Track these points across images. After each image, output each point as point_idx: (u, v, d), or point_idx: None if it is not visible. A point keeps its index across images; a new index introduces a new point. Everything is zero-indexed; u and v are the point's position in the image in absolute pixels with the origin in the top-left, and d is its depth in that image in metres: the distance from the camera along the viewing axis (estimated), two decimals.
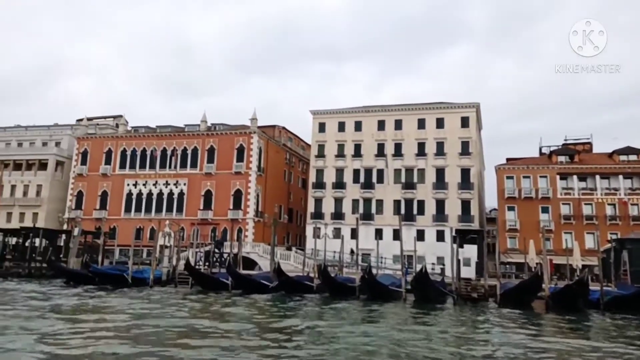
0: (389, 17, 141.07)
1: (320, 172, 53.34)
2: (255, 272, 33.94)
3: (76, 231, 36.95)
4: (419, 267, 33.27)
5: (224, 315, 17.80)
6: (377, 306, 22.18)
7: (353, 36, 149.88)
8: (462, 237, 30.35)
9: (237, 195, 52.42)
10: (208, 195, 53.14)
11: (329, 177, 52.83)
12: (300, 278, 28.70)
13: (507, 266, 45.07)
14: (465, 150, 49.58)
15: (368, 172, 51.94)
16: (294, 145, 64.17)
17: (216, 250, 37.39)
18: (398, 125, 51.88)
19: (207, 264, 36.18)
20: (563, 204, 48.16)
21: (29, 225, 47.27)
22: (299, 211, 61.28)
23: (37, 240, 40.98)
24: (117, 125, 61.82)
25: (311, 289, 26.64)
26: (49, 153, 58.66)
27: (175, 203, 53.64)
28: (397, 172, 51.04)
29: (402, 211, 49.41)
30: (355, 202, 51.66)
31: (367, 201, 51.34)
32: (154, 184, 54.45)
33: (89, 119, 63.03)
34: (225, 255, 36.52)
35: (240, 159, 53.11)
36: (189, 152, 54.61)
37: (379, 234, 46.49)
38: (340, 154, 52.98)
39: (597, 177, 48.35)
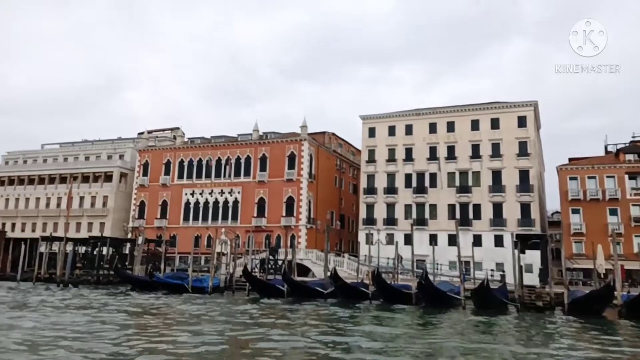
0: (436, 17, 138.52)
1: (371, 177, 52.97)
2: (309, 279, 34.13)
3: (140, 240, 38.88)
4: (477, 273, 32.34)
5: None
6: (439, 314, 21.57)
7: (399, 38, 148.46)
8: (523, 242, 29.04)
9: (290, 202, 53.11)
10: (261, 202, 54.22)
11: (380, 182, 52.32)
12: (356, 284, 28.55)
13: (574, 272, 42.59)
14: (523, 151, 47.49)
15: (420, 176, 50.96)
16: (344, 151, 64.24)
17: (271, 257, 37.98)
18: (450, 127, 50.59)
19: (262, 270, 36.83)
20: (633, 205, 44.86)
21: (97, 235, 50.29)
22: (351, 217, 61.16)
23: (104, 249, 43.53)
24: (174, 137, 64.62)
25: (366, 295, 26.42)
26: (114, 165, 62.24)
27: (230, 211, 55.14)
28: (451, 175, 49.70)
29: (457, 216, 48.03)
30: (407, 207, 50.81)
31: (420, 206, 50.35)
32: (210, 193, 56.29)
33: (149, 132, 66.36)
34: (279, 262, 37.04)
35: (291, 166, 53.83)
36: (242, 161, 56.04)
37: (433, 239, 45.55)
38: (391, 159, 52.36)
39: None
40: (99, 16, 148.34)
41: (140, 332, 14.88)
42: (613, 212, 45.02)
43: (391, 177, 52.14)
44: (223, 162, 56.69)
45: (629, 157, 47.72)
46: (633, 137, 52.57)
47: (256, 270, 37.37)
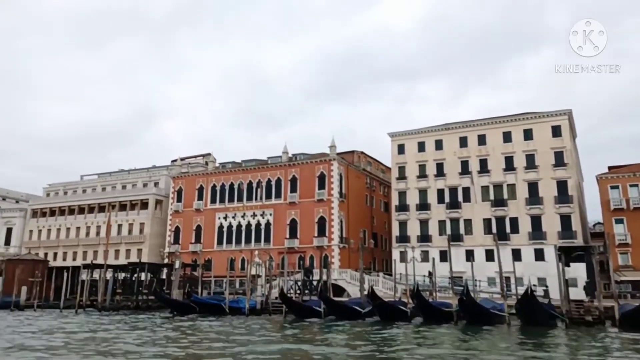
0: (460, 32, 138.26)
1: (402, 194, 52.48)
2: (345, 299, 33.73)
3: (177, 264, 39.50)
4: (519, 289, 31.18)
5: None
6: (484, 332, 20.80)
7: (424, 55, 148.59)
8: (567, 255, 27.92)
9: (321, 222, 53.07)
10: (293, 224, 54.37)
11: (412, 199, 51.74)
12: (394, 303, 28.02)
13: (621, 285, 40.55)
14: (559, 161, 46.18)
15: (453, 191, 50.15)
16: (373, 169, 64.05)
17: (305, 278, 37.84)
18: (482, 140, 49.82)
19: (297, 292, 36.68)
20: None
21: (135, 261, 51.45)
22: (383, 235, 60.50)
23: (143, 275, 44.40)
24: (206, 163, 66.05)
25: (405, 314, 25.85)
26: (149, 193, 63.96)
27: (262, 233, 55.50)
28: (485, 189, 48.70)
29: (494, 230, 46.76)
30: (441, 223, 49.93)
31: (455, 221, 49.38)
32: (242, 216, 56.92)
33: (182, 159, 68.13)
34: (314, 283, 36.84)
35: (321, 186, 53.98)
36: (273, 183, 56.60)
37: (469, 255, 44.38)
38: (422, 175, 51.83)
39: None
40: (134, 54, 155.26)
41: None
42: None
43: (423, 193, 51.52)
44: (254, 185, 57.39)
45: None
46: None
47: (292, 291, 37.22)
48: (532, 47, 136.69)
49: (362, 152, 63.43)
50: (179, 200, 60.88)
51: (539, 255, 44.72)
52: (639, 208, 43.79)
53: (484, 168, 49.09)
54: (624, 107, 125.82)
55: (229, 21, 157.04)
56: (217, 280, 49.29)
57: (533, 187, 46.77)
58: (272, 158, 59.21)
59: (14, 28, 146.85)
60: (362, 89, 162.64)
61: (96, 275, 44.55)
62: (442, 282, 37.49)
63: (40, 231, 68.01)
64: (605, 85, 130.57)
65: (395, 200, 53.01)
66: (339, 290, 42.99)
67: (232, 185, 58.63)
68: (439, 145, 51.86)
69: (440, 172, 51.03)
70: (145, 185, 67.31)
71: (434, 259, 33.70)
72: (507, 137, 48.83)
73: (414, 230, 50.85)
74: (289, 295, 34.29)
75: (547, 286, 39.86)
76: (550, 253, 43.32)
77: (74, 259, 62.07)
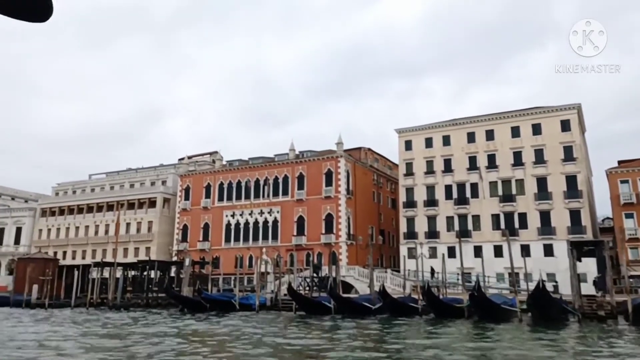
0: (465, 27, 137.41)
1: (410, 190, 52.35)
2: (355, 295, 33.75)
3: (187, 262, 39.65)
4: (529, 285, 31.01)
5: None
6: (498, 327, 20.70)
7: (428, 50, 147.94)
8: (578, 250, 27.75)
9: (329, 219, 53.06)
10: (301, 221, 54.40)
11: (420, 195, 51.60)
12: (405, 299, 27.99)
13: (631, 280, 40.24)
14: (568, 155, 45.85)
15: (461, 187, 49.97)
16: (380, 165, 63.93)
17: (314, 275, 37.90)
18: (489, 135, 49.57)
19: (307, 288, 36.76)
20: None
21: (143, 259, 51.70)
22: (391, 232, 60.42)
23: (152, 272, 44.63)
24: (213, 161, 66.18)
25: (416, 310, 25.82)
26: (157, 191, 64.20)
27: (270, 231, 55.57)
28: (493, 184, 48.47)
29: (502, 226, 46.67)
30: (449, 219, 49.78)
31: (463, 217, 49.22)
32: (250, 214, 57.02)
33: (189, 157, 68.30)
34: (323, 279, 36.89)
35: (329, 183, 53.95)
36: (280, 180, 56.62)
37: (478, 251, 44.25)
38: (430, 171, 51.67)
39: None
40: (137, 53, 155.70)
41: None
42: None
43: (430, 189, 51.36)
44: (261, 182, 57.45)
45: None
46: None
47: (301, 288, 37.30)
48: (538, 42, 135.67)
49: (369, 149, 63.32)
50: (186, 198, 61.07)
51: (548, 250, 44.52)
52: None
53: (492, 163, 48.85)
54: (634, 100, 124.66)
55: (232, 20, 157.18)
56: (225, 277, 49.45)
57: (542, 182, 46.49)
58: (279, 155, 59.23)
59: (19, 29, 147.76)
60: (366, 85, 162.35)
61: (106, 273, 44.87)
62: (450, 278, 37.43)
63: (49, 230, 68.52)
64: (613, 79, 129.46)
65: (402, 197, 52.89)
66: (347, 287, 43.02)
67: (239, 182, 58.72)
68: (446, 141, 51.64)
69: (447, 167, 50.84)
70: (152, 183, 67.59)
71: (443, 255, 33.58)
72: (515, 132, 48.52)
73: (421, 226, 50.73)
74: (298, 291, 34.32)
75: (556, 281, 39.69)
76: (559, 248, 43.25)
77: (83, 258, 62.50)
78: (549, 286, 38.38)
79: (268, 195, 56.64)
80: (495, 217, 47.66)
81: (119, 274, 42.66)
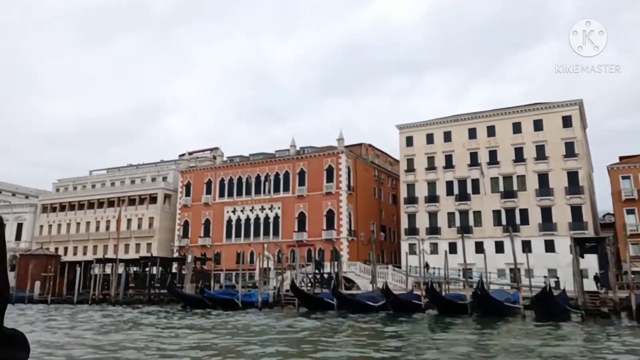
0: (465, 24, 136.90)
1: (411, 186, 52.35)
2: (356, 292, 33.82)
3: (189, 258, 39.68)
4: (529, 280, 31.11)
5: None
6: (501, 324, 20.76)
7: (429, 47, 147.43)
8: (580, 246, 27.78)
9: (330, 215, 53.08)
10: (302, 217, 54.42)
11: (421, 191, 51.60)
12: (407, 296, 28.05)
13: (633, 276, 40.35)
14: (570, 151, 45.84)
15: (462, 182, 49.96)
16: (381, 161, 63.90)
17: (316, 271, 37.95)
18: (491, 131, 49.51)
19: (309, 284, 36.83)
20: None
21: (144, 255, 51.73)
22: (392, 228, 60.49)
23: (154, 269, 44.70)
24: (214, 157, 66.08)
25: (419, 307, 25.89)
26: (158, 187, 64.15)
27: (271, 227, 55.58)
28: (494, 180, 48.48)
29: (504, 222, 46.76)
30: (450, 215, 49.82)
31: (464, 213, 49.25)
32: (251, 210, 57.02)
33: (190, 153, 68.21)
34: (325, 276, 36.96)
35: (330, 179, 53.93)
36: (281, 176, 56.58)
37: (479, 247, 44.34)
38: (431, 167, 51.64)
39: None
40: (136, 50, 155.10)
41: None
42: None
43: (432, 185, 51.36)
44: (262, 178, 57.39)
45: None
46: None
47: (303, 284, 37.36)
48: (538, 39, 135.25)
49: (370, 145, 63.25)
50: (187, 194, 61.04)
51: (550, 246, 44.62)
52: None
53: (493, 159, 48.84)
54: (635, 97, 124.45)
55: (231, 16, 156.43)
56: (227, 273, 49.53)
57: (543, 178, 46.50)
58: (280, 151, 59.13)
59: (18, 26, 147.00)
60: (366, 82, 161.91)
61: (107, 269, 44.91)
62: (451, 274, 37.48)
63: (50, 226, 68.51)
64: (615, 75, 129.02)
65: (403, 193, 52.90)
66: (348, 283, 43.10)
67: (240, 179, 58.66)
68: (447, 137, 51.59)
69: (449, 163, 50.82)
70: (153, 179, 67.51)
71: (446, 251, 33.64)
72: (516, 128, 48.48)
73: (422, 222, 50.77)
74: (300, 287, 34.40)
75: (557, 277, 39.82)
76: (560, 244, 43.36)
77: (84, 254, 62.52)
78: (550, 282, 38.70)
79: (269, 191, 56.61)
80: (497, 213, 47.70)
81: (120, 270, 42.74)
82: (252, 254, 54.39)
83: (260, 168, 57.95)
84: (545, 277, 39.09)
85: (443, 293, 28.54)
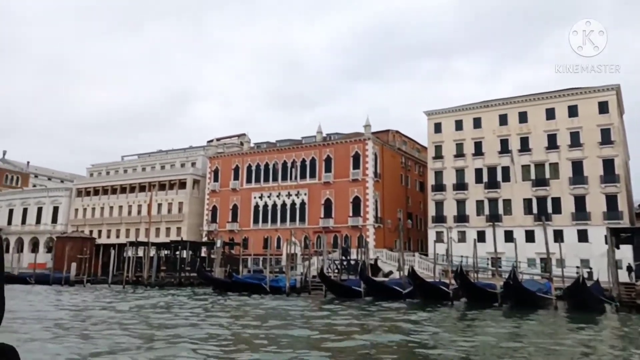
0: (499, 4, 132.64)
1: (439, 173, 51.71)
2: (386, 279, 33.85)
3: (218, 243, 40.46)
4: (560, 271, 30.49)
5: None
6: (535, 315, 20.45)
7: (460, 29, 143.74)
8: (616, 237, 26.97)
9: (356, 202, 53.05)
10: (328, 203, 54.59)
11: (449, 179, 50.92)
12: (435, 283, 27.92)
13: None
14: (606, 138, 44.29)
15: (491, 170, 49.03)
16: (408, 148, 63.25)
17: (343, 258, 38.12)
18: (522, 117, 48.22)
19: (336, 271, 37.06)
20: None
21: (174, 239, 52.99)
22: (418, 215, 60.08)
23: (184, 252, 45.80)
24: (241, 143, 66.71)
25: (447, 295, 25.75)
26: (187, 173, 65.36)
27: (297, 213, 55.99)
28: (525, 168, 47.37)
29: (535, 210, 45.81)
30: (479, 203, 49.07)
31: (493, 201, 48.42)
32: (278, 196, 57.51)
33: (218, 140, 69.07)
34: (352, 262, 37.11)
35: (356, 166, 53.77)
36: (308, 163, 56.72)
37: (508, 236, 43.58)
38: (460, 154, 50.80)
39: None
40: (168, 38, 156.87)
41: None
42: None
43: (460, 172, 50.61)
44: (289, 165, 57.68)
45: None
46: None
47: (330, 270, 37.62)
48: (574, 20, 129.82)
49: (397, 131, 62.61)
50: (215, 180, 61.98)
51: (583, 236, 43.52)
52: None
53: (524, 146, 47.66)
54: None
55: (261, 2, 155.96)
56: (254, 258, 50.33)
57: (577, 166, 45.16)
58: (307, 138, 59.19)
59: (56, 14, 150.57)
60: (396, 66, 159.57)
61: (139, 252, 46.25)
62: (480, 263, 37.03)
63: (85, 210, 70.85)
64: None
65: (431, 180, 52.32)
66: (375, 270, 43.19)
67: (267, 165, 59.12)
68: (477, 123, 50.55)
69: (478, 150, 49.88)
70: (182, 165, 68.77)
71: (475, 240, 33.19)
72: (550, 114, 47.05)
73: (450, 210, 50.20)
74: (327, 274, 34.66)
75: (590, 268, 38.89)
76: (594, 234, 42.22)
77: (117, 237, 64.52)
78: (583, 273, 37.82)
79: (295, 178, 56.90)
80: (528, 202, 46.71)
81: (152, 253, 43.96)
82: (278, 239, 55.04)
83: (287, 154, 58.22)
84: (577, 267, 38.31)
85: (475, 281, 28.20)
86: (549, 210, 45.28)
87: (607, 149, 44.21)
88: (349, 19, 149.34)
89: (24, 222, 72.96)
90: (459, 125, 51.43)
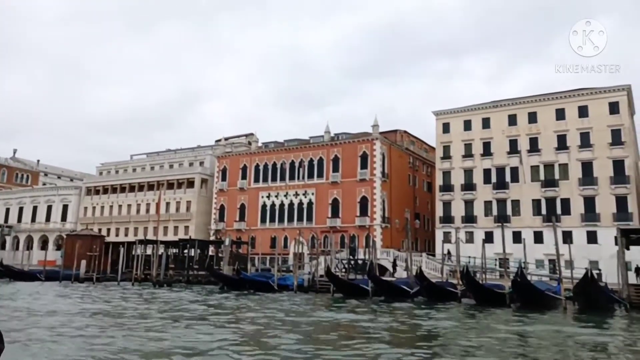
0: (509, 4, 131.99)
1: (447, 174, 51.55)
2: (393, 279, 33.84)
3: (227, 242, 40.65)
4: (569, 272, 30.30)
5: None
6: (543, 315, 20.35)
7: (470, 28, 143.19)
8: (626, 238, 26.81)
9: (363, 202, 53.04)
10: (335, 203, 54.63)
11: (457, 179, 50.75)
12: (443, 284, 27.87)
13: None
14: (616, 139, 43.92)
15: (500, 170, 48.81)
16: (416, 148, 63.12)
17: (351, 257, 38.15)
18: (532, 118, 47.95)
19: (343, 270, 37.10)
20: None
21: (182, 237, 53.28)
22: (426, 215, 59.93)
23: (192, 251, 46.04)
24: (249, 143, 66.96)
25: (455, 295, 25.69)
26: (195, 172, 65.73)
27: (305, 212, 56.07)
28: (535, 168, 47.10)
29: (544, 211, 45.54)
30: (487, 204, 48.85)
31: (502, 202, 48.19)
32: (285, 195, 57.64)
33: (226, 139, 69.36)
34: (360, 262, 37.12)
35: (364, 166, 53.77)
36: (315, 162, 56.80)
37: (517, 237, 43.38)
38: (468, 154, 50.62)
39: None
40: (178, 38, 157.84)
41: None
42: None
43: (468, 173, 50.43)
44: (296, 164, 57.79)
45: None
46: None
47: (337, 269, 37.67)
48: (588, 17, 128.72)
49: (405, 131, 62.52)
50: (223, 179, 62.26)
51: (592, 237, 43.19)
52: None
53: (534, 147, 47.39)
54: None
55: (270, 2, 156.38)
56: (261, 257, 50.46)
57: (587, 166, 44.83)
58: (314, 138, 59.28)
59: (68, 15, 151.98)
60: (404, 66, 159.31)
61: (148, 250, 46.52)
62: (488, 264, 36.88)
63: (94, 208, 71.47)
64: None
65: (439, 180, 52.17)
66: (382, 270, 43.14)
67: (274, 164, 59.28)
68: (486, 123, 50.34)
69: (487, 151, 49.68)
70: (191, 164, 69.15)
71: (483, 240, 33.03)
72: (560, 114, 46.76)
73: (458, 210, 50.03)
74: (334, 273, 34.67)
75: (600, 269, 38.55)
76: (603, 235, 41.88)
77: (126, 235, 65.01)
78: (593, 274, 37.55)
79: (303, 177, 57.00)
80: (536, 203, 46.43)
81: (161, 251, 44.22)
82: (286, 238, 55.17)
83: (294, 154, 58.34)
84: (586, 269, 38.02)
85: (480, 282, 28.11)
86: (558, 211, 44.96)
87: (618, 149, 43.86)
88: (357, 18, 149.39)
89: (33, 220, 73.76)
90: (467, 125, 51.25)
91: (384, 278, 31.97)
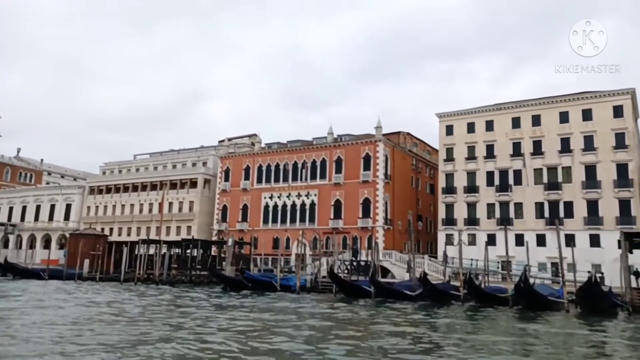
0: (514, 4, 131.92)
1: (449, 176, 51.56)
2: (395, 281, 33.87)
3: (230, 242, 40.73)
4: (571, 275, 30.24)
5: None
6: (546, 318, 20.36)
7: (474, 30, 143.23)
8: (629, 241, 26.76)
9: (366, 203, 53.09)
10: (338, 204, 54.70)
11: (460, 181, 50.76)
12: (445, 287, 27.88)
13: None
14: (620, 143, 43.87)
15: (503, 173, 48.79)
16: (419, 150, 63.15)
17: (353, 258, 38.21)
18: (536, 121, 47.94)
19: (345, 271, 37.15)
20: None
21: (185, 237, 53.35)
22: (428, 217, 59.93)
23: (195, 251, 46.13)
24: (252, 144, 67.10)
25: (458, 298, 25.69)
26: (198, 172, 65.90)
27: (307, 213, 56.15)
28: (538, 171, 47.07)
29: (546, 214, 45.50)
30: (490, 207, 48.83)
31: (504, 205, 48.15)
32: (288, 196, 57.73)
33: (229, 139, 69.60)
34: (362, 263, 37.17)
35: (367, 167, 53.82)
36: (318, 164, 56.89)
37: (519, 240, 43.44)
38: (471, 156, 50.62)
39: None
40: (180, 38, 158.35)
41: None
42: None
43: (471, 175, 50.42)
44: (299, 165, 57.90)
45: None
46: None
47: (340, 270, 37.72)
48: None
49: (408, 133, 62.57)
50: (226, 179, 62.40)
51: (595, 241, 43.12)
52: None
53: (537, 150, 47.36)
54: None
55: (272, 2, 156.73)
56: (263, 258, 50.54)
57: (591, 170, 44.78)
58: (317, 139, 59.38)
59: (71, 14, 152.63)
60: (407, 67, 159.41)
61: (151, 250, 46.64)
62: (490, 266, 36.85)
63: (97, 207, 71.72)
64: None
65: (442, 182, 52.18)
66: (384, 272, 43.14)
67: (277, 165, 59.39)
68: (489, 126, 50.35)
69: (490, 153, 49.67)
70: (194, 164, 69.33)
71: (486, 242, 33.06)
72: (563, 117, 46.74)
73: (461, 213, 50.02)
74: (337, 274, 34.71)
75: (602, 273, 38.49)
76: (606, 239, 41.84)
77: (129, 235, 65.19)
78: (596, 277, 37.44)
79: (306, 179, 57.10)
80: (539, 205, 46.40)
81: (163, 251, 44.33)
82: (288, 239, 55.19)
83: (297, 155, 58.45)
84: (589, 272, 37.95)
85: (482, 285, 28.12)
86: (561, 214, 44.94)
87: (621, 153, 43.80)
88: (360, 19, 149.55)
89: (36, 218, 74.06)
90: (470, 127, 51.27)
91: (384, 280, 31.95)
